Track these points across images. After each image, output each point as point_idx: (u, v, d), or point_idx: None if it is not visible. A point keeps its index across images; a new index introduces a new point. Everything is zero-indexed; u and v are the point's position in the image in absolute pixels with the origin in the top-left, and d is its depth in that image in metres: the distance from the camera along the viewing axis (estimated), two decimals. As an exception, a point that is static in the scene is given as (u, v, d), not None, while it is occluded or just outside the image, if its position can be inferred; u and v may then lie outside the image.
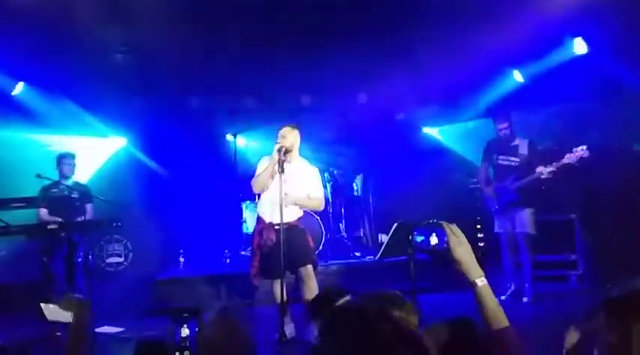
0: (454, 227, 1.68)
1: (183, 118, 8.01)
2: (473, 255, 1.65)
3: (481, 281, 1.61)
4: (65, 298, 1.89)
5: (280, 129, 4.60)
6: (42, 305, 1.83)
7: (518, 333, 1.62)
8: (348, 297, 1.59)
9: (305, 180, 4.60)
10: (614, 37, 5.73)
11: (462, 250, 1.64)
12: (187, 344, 1.60)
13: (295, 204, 4.53)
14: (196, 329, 1.63)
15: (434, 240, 1.70)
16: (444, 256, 1.63)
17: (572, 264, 6.12)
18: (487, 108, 7.26)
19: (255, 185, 4.58)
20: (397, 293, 1.89)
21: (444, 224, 1.68)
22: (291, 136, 4.52)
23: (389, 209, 7.22)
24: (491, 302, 1.59)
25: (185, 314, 1.64)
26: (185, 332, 1.60)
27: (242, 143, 8.23)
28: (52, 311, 1.84)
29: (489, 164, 5.67)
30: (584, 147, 4.94)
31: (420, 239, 1.71)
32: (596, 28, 5.78)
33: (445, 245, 1.65)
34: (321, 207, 4.85)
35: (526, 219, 5.36)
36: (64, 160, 5.56)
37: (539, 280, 5.57)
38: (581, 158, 4.93)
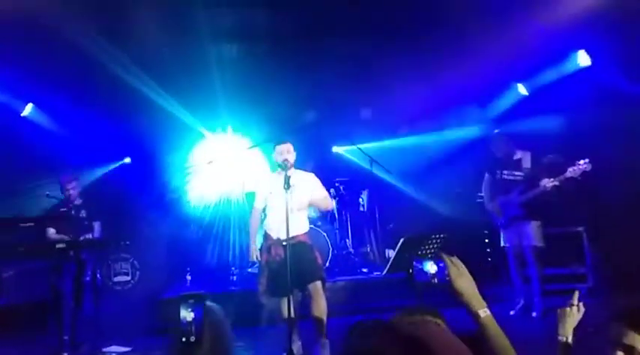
0: (454, 259, 1.67)
1: (188, 136, 8.11)
2: (474, 286, 1.64)
3: (484, 313, 1.60)
4: None
5: (278, 145, 4.65)
6: None
7: (528, 349, 1.61)
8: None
9: (306, 187, 4.65)
10: (616, 49, 5.76)
11: (463, 282, 1.63)
12: (193, 330, 1.61)
13: (307, 206, 4.58)
14: (201, 315, 1.65)
15: (432, 268, 1.68)
16: (445, 288, 1.62)
17: (582, 277, 6.05)
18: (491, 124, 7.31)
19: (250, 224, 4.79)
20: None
21: (444, 256, 1.67)
22: (291, 151, 4.59)
23: (396, 224, 7.21)
24: (496, 333, 1.58)
25: (191, 300, 1.66)
26: (190, 316, 1.62)
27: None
28: None
29: (493, 179, 5.66)
30: (587, 160, 4.93)
31: (417, 270, 1.70)
32: (600, 40, 5.83)
33: (446, 277, 1.64)
34: (330, 206, 4.85)
35: (533, 231, 5.34)
36: (66, 183, 5.59)
37: (549, 294, 5.50)
38: (584, 172, 4.92)
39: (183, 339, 1.61)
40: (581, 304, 1.82)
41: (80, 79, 6.29)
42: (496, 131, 5.76)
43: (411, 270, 1.67)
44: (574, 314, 1.83)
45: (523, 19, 5.38)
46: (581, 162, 4.93)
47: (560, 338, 1.93)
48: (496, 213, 5.57)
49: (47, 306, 5.32)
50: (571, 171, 4.96)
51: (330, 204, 4.85)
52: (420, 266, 1.67)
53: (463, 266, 1.65)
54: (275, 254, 4.44)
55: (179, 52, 6.02)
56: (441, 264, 1.65)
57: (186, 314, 1.62)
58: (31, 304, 5.70)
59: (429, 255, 3.91)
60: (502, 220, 5.51)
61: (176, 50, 5.98)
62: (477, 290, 1.63)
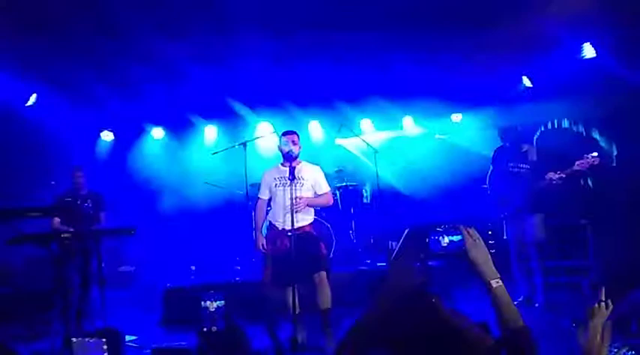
0: (471, 230, 1.70)
1: (192, 126, 8.15)
2: (489, 257, 1.68)
3: (496, 283, 1.63)
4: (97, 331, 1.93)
5: (283, 136, 4.65)
6: (73, 340, 1.85)
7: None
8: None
9: (310, 179, 4.65)
10: (622, 40, 5.75)
11: (477, 252, 1.66)
12: (215, 318, 1.64)
13: (308, 206, 4.57)
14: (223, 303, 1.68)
15: (445, 241, 1.72)
16: (458, 258, 1.66)
17: (585, 269, 6.07)
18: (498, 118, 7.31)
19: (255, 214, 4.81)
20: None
21: (462, 227, 1.71)
22: (297, 142, 4.60)
23: (399, 216, 7.22)
24: (506, 302, 1.62)
25: (211, 291, 1.68)
26: (213, 306, 1.64)
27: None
28: (83, 346, 1.85)
29: (498, 171, 5.65)
30: (595, 153, 4.90)
31: (433, 241, 1.74)
32: (604, 32, 5.81)
33: (461, 247, 1.68)
34: (331, 202, 4.85)
35: (535, 224, 5.34)
36: (76, 172, 5.62)
37: (552, 286, 5.53)
38: (592, 165, 4.90)
39: (205, 329, 1.64)
40: (609, 301, 1.83)
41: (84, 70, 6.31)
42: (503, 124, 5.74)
43: (427, 239, 1.71)
44: (603, 312, 1.83)
45: (528, 12, 5.36)
46: (590, 155, 4.91)
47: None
48: (500, 205, 5.57)
49: (54, 295, 5.36)
50: (579, 164, 4.95)
51: (331, 200, 4.83)
52: (436, 238, 1.72)
53: (479, 237, 1.69)
54: (280, 244, 4.46)
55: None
56: (454, 238, 1.70)
57: (209, 304, 1.64)
58: (38, 292, 5.75)
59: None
60: (506, 212, 5.51)
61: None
62: (490, 261, 1.67)
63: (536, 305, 5.32)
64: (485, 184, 5.92)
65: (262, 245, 4.63)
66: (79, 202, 5.50)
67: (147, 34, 5.45)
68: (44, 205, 5.53)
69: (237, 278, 6.48)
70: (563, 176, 5.06)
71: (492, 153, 5.80)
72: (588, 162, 4.90)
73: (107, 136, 8.10)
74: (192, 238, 7.47)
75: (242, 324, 1.75)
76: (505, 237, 5.64)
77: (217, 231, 7.51)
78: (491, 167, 5.74)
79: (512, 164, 5.49)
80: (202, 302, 1.67)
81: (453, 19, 5.47)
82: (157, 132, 8.32)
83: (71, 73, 6.20)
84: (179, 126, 8.28)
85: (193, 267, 7.07)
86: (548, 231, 5.41)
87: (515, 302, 5.31)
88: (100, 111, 7.42)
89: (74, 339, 1.84)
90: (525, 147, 5.49)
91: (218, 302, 1.68)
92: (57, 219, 5.42)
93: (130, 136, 8.24)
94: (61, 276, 5.15)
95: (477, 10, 5.28)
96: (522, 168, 5.43)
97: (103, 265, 5.67)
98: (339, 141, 8.59)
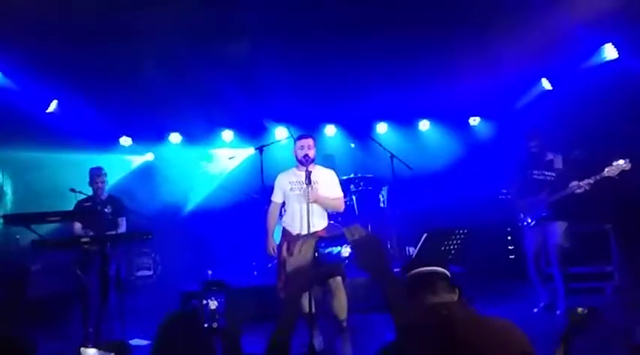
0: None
1: (208, 131, 8.20)
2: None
3: None
4: (106, 343, 1.93)
5: (299, 140, 4.63)
6: (82, 349, 1.85)
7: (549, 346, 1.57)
8: None
9: (325, 183, 4.63)
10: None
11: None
12: (217, 316, 1.63)
13: (319, 201, 4.54)
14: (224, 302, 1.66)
15: (346, 251, 1.63)
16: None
17: (608, 275, 5.94)
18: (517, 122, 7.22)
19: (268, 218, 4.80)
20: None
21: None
22: (312, 147, 4.58)
23: (416, 221, 7.15)
24: None
25: (214, 288, 1.67)
26: (214, 304, 1.63)
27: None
28: None
29: (522, 178, 5.54)
30: (627, 159, 4.78)
31: (327, 251, 1.63)
32: (626, 33, 5.70)
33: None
34: (342, 208, 4.81)
35: (558, 231, 5.24)
36: (95, 176, 5.66)
37: (575, 292, 5.42)
38: (623, 171, 4.78)
39: (206, 325, 1.62)
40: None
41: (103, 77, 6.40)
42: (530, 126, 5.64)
43: (317, 252, 1.60)
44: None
45: (548, 13, 5.29)
46: (621, 161, 4.79)
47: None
48: (523, 212, 5.46)
49: (73, 299, 5.42)
50: (608, 170, 4.82)
51: (342, 206, 4.79)
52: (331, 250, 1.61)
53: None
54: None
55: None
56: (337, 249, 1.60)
57: (210, 302, 1.63)
58: (58, 296, 5.82)
59: (453, 251, 3.86)
60: (530, 219, 5.40)
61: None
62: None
63: (558, 312, 5.21)
64: (505, 190, 5.81)
65: (273, 249, 4.62)
66: (99, 207, 5.53)
67: (166, 39, 5.53)
68: (65, 210, 5.59)
69: (254, 283, 6.49)
70: (591, 182, 4.93)
71: (516, 159, 5.69)
72: (619, 168, 4.77)
73: (126, 142, 8.17)
74: (210, 243, 7.50)
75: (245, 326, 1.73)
76: (526, 245, 5.52)
77: (235, 235, 7.54)
78: (515, 175, 5.62)
79: (536, 171, 5.38)
80: (204, 301, 1.65)
81: (470, 22, 5.42)
82: (174, 137, 8.37)
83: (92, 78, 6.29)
84: (197, 132, 8.33)
85: (210, 272, 7.10)
86: (571, 237, 5.29)
87: (536, 309, 5.29)
88: (120, 117, 7.50)
89: (82, 349, 1.84)
90: (550, 156, 5.38)
91: (218, 300, 1.66)
92: (77, 224, 5.47)
93: (149, 141, 8.31)
94: (81, 281, 5.19)
95: (496, 12, 5.23)
96: (547, 175, 5.32)
97: (121, 270, 5.73)
98: (354, 145, 8.57)
